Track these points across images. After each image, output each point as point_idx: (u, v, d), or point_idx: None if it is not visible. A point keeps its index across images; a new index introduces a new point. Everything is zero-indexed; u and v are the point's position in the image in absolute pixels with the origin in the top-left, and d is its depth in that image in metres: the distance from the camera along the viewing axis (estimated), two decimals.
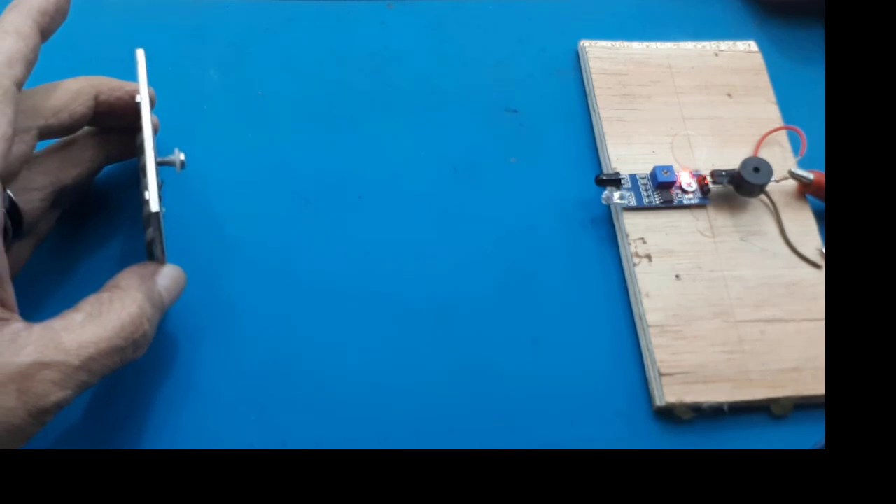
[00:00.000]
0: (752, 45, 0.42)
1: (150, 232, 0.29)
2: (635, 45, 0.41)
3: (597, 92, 0.39)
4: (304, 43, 0.40)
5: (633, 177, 0.37)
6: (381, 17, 0.42)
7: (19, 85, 0.26)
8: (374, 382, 0.32)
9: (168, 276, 0.29)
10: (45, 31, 0.28)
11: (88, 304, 0.26)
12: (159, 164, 0.31)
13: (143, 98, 0.29)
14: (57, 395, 0.24)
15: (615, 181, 0.36)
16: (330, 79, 0.39)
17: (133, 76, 0.30)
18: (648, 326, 0.33)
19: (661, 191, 0.36)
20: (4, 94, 0.25)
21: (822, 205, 0.37)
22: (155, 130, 0.33)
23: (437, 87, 0.40)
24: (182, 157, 0.32)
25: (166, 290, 0.29)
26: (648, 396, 0.33)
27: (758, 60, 0.41)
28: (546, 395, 0.32)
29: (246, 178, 0.36)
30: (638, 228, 0.36)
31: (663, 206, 0.36)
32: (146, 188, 0.27)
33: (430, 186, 0.37)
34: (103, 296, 0.27)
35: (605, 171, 0.38)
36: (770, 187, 0.37)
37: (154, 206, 0.27)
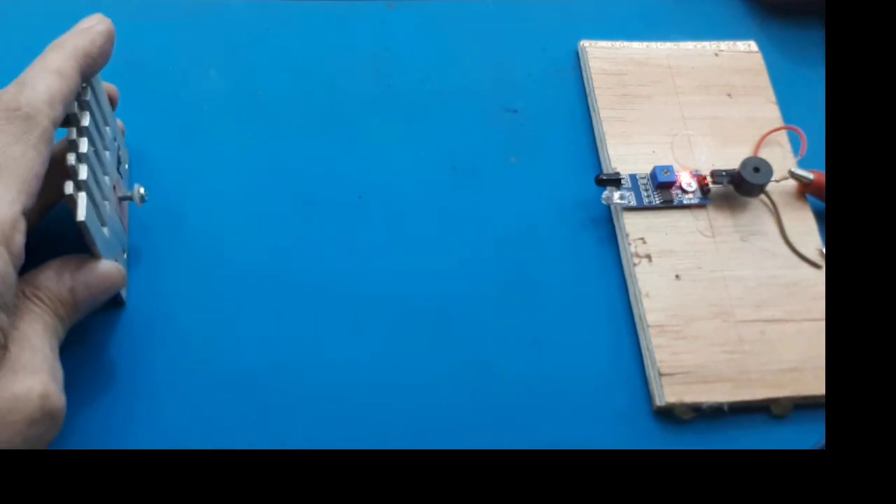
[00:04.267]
0: (752, 45, 0.42)
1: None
2: (635, 45, 0.41)
3: (597, 92, 0.39)
4: (304, 43, 0.40)
5: (633, 177, 0.37)
6: (381, 18, 0.42)
7: (56, 125, 0.26)
8: (374, 382, 0.32)
9: (93, 272, 0.28)
10: (86, 74, 0.28)
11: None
12: (121, 200, 0.32)
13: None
14: None
15: (615, 181, 0.36)
16: (330, 79, 0.39)
17: (131, 78, 0.30)
18: (648, 326, 0.33)
19: (661, 191, 0.36)
20: (42, 134, 0.25)
21: (822, 205, 0.37)
22: (113, 102, 0.33)
23: (437, 87, 0.40)
24: (142, 191, 0.32)
25: (85, 286, 0.28)
26: (648, 396, 0.33)
27: (758, 60, 0.41)
28: (546, 395, 0.32)
29: (246, 178, 0.36)
30: (638, 228, 0.36)
31: (663, 206, 0.36)
32: (72, 191, 0.26)
33: (429, 187, 0.37)
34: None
35: (605, 171, 0.38)
36: (770, 187, 0.36)
37: (80, 216, 0.26)
